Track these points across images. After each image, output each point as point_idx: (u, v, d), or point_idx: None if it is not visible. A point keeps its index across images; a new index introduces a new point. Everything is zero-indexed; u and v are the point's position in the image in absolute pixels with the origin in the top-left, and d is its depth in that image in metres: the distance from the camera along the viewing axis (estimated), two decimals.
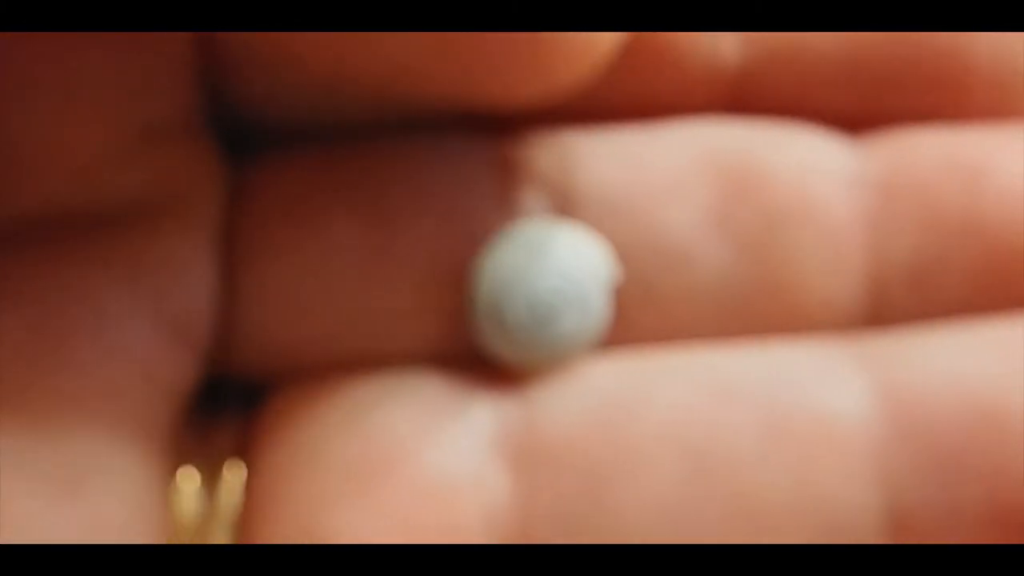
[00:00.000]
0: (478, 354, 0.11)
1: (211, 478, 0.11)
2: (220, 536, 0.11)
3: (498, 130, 0.12)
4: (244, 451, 0.11)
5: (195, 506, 0.11)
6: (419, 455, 0.11)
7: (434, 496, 0.11)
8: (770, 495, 0.10)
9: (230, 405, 0.12)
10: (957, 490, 0.10)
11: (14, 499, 0.10)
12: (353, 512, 0.10)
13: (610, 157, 0.12)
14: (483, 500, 0.11)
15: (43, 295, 0.10)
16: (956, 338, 0.11)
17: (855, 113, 0.12)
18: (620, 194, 0.12)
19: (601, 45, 0.10)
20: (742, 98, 0.12)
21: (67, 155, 0.11)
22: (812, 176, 0.12)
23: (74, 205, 0.11)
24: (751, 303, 0.12)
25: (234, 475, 0.11)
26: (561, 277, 0.11)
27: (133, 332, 0.11)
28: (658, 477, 0.10)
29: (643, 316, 0.11)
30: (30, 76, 0.10)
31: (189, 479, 0.11)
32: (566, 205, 0.12)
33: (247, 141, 0.12)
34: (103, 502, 0.10)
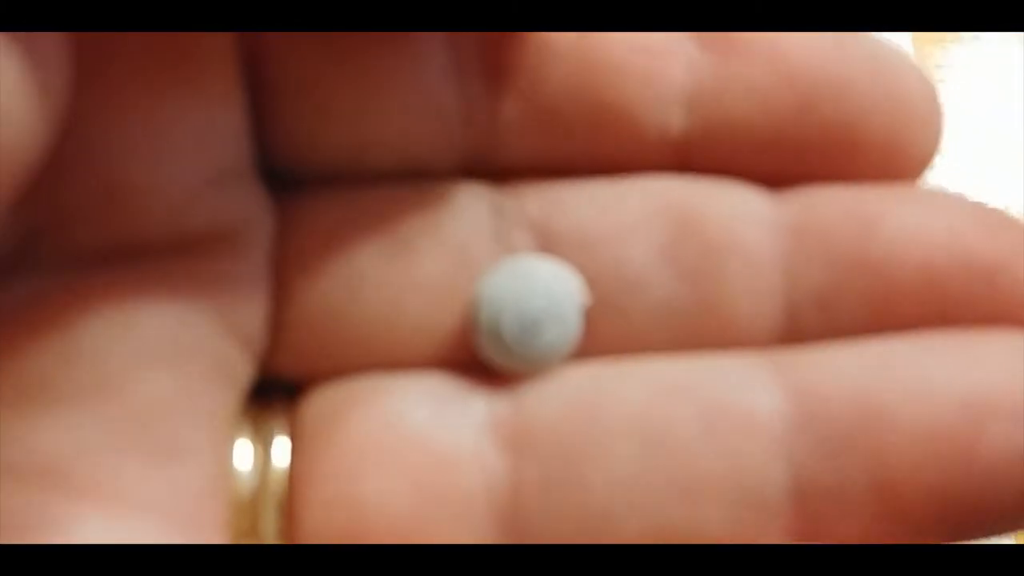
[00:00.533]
0: (479, 362, 0.13)
1: (263, 457, 0.13)
2: (270, 504, 0.13)
3: (496, 181, 0.14)
4: (289, 436, 0.13)
5: (251, 479, 0.13)
6: (431, 436, 0.13)
7: (445, 469, 0.12)
8: (704, 470, 0.12)
9: (275, 400, 0.13)
10: (847, 468, 0.12)
11: (118, 469, 0.12)
12: (379, 482, 0.12)
13: (583, 205, 0.14)
14: (484, 473, 0.12)
15: (129, 309, 0.12)
16: (851, 351, 0.12)
17: (775, 173, 0.13)
18: (591, 234, 0.13)
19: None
20: (687, 158, 0.14)
21: (157, 194, 0.12)
22: (740, 221, 0.13)
23: (157, 236, 0.13)
24: (693, 320, 0.13)
25: (281, 454, 0.13)
26: (545, 299, 0.13)
27: (206, 336, 0.13)
28: (620, 457, 0.12)
29: (608, 330, 0.13)
30: (131, 125, 0.12)
31: (245, 457, 0.13)
32: (548, 242, 0.14)
33: (287, 185, 0.14)
34: (187, 473, 0.12)
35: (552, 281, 0.13)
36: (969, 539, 0.12)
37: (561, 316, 0.13)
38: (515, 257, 0.13)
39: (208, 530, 0.12)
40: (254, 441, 0.13)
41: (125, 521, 0.11)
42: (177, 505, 0.12)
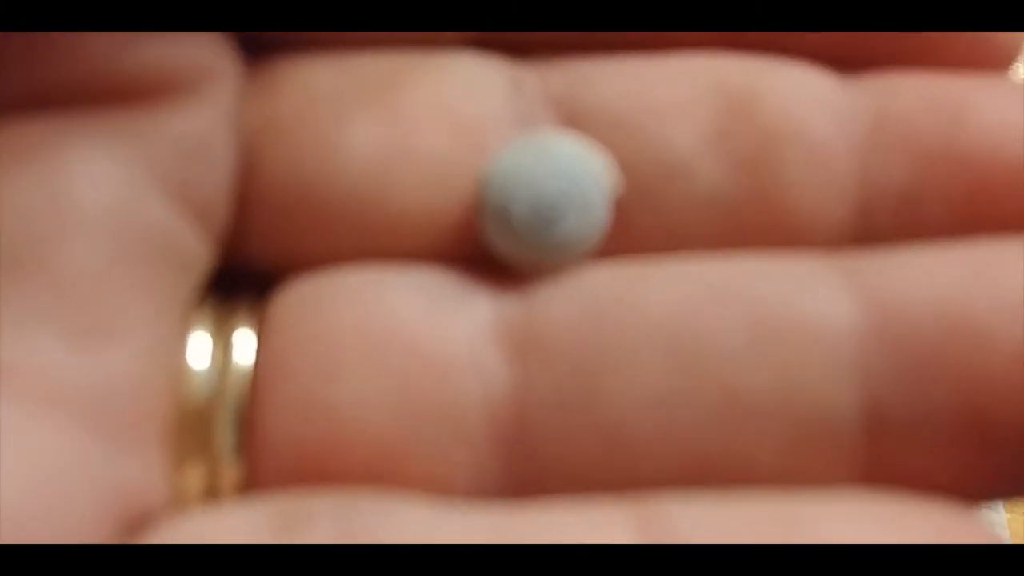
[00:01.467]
0: (485, 255, 0.11)
1: (222, 353, 0.11)
2: (228, 413, 0.11)
3: (513, 53, 0.12)
4: (255, 330, 0.11)
5: (207, 382, 0.11)
6: (422, 336, 0.11)
7: (434, 374, 0.11)
8: (753, 390, 0.10)
9: (242, 293, 0.12)
10: (931, 393, 0.11)
11: (39, 349, 0.10)
12: (354, 384, 0.11)
13: (617, 80, 0.12)
14: (482, 383, 0.11)
15: (58, 168, 0.10)
16: (936, 256, 0.11)
17: (845, 56, 0.12)
18: (625, 112, 0.12)
19: None
20: (741, 38, 0.12)
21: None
22: (805, 103, 0.12)
23: (91, 80, 0.11)
24: (745, 215, 0.12)
25: (244, 350, 0.11)
26: (565, 180, 0.11)
27: (151, 206, 0.11)
28: (648, 370, 0.11)
29: (643, 223, 0.12)
30: None
31: (201, 349, 0.11)
32: (575, 121, 0.12)
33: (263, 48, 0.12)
34: (122, 358, 0.10)
35: (575, 160, 0.11)
36: None
37: (584, 201, 0.11)
38: (531, 134, 0.11)
39: (141, 434, 0.10)
40: (214, 338, 0.11)
41: (39, 414, 0.10)
42: (105, 399, 0.10)
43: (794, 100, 0.12)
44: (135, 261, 0.10)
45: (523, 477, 0.11)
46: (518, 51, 0.12)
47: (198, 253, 0.11)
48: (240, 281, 0.12)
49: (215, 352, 0.11)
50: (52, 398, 0.10)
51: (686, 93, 0.12)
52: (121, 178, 0.11)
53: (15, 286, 0.10)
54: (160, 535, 0.10)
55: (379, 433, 0.10)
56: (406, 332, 0.11)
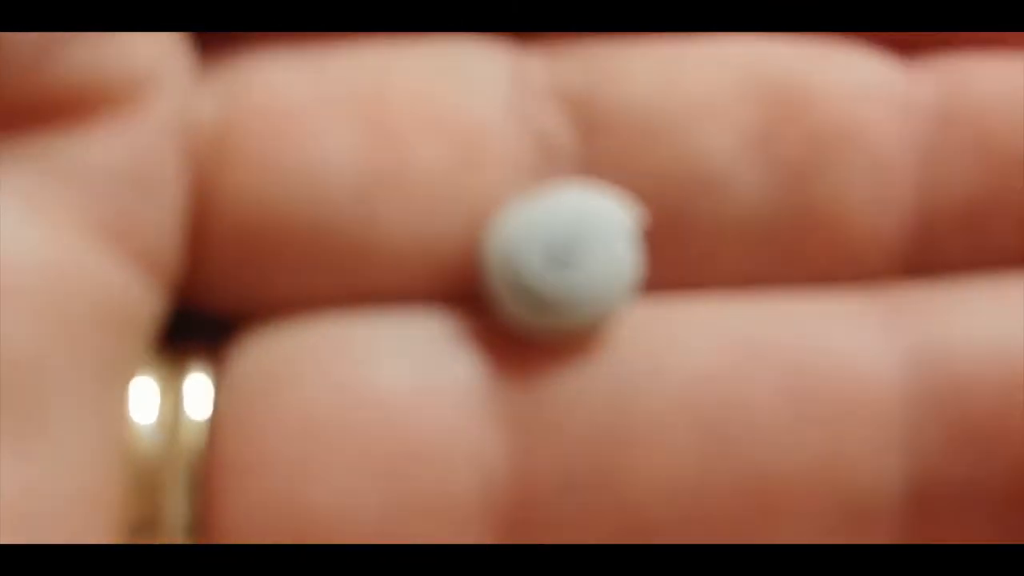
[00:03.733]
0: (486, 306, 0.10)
1: (172, 404, 0.10)
2: (178, 471, 0.10)
3: (517, 38, 0.11)
4: (211, 380, 0.10)
5: (153, 432, 0.10)
6: (405, 414, 0.10)
7: (423, 462, 0.10)
8: (791, 471, 0.10)
9: (196, 339, 0.10)
10: (986, 462, 0.10)
11: None
12: (333, 479, 0.10)
13: (641, 72, 0.11)
14: (479, 466, 0.10)
15: None
16: (1001, 293, 0.10)
17: (907, 35, 0.11)
18: (653, 114, 0.11)
19: None
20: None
21: None
22: (862, 99, 0.11)
23: (6, 92, 0.09)
24: (791, 235, 0.11)
25: (196, 400, 0.10)
26: (579, 222, 0.10)
27: (87, 253, 0.09)
28: (673, 446, 0.10)
29: (671, 252, 0.11)
30: None
31: (147, 400, 0.10)
32: (592, 126, 0.11)
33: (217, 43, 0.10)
34: (67, 439, 0.09)
35: (587, 205, 0.10)
36: None
37: (603, 241, 0.10)
38: (534, 192, 0.11)
39: (92, 529, 0.09)
40: (162, 387, 0.10)
41: None
42: (48, 504, 0.09)
43: (849, 94, 0.11)
44: (73, 331, 0.09)
45: None
46: (523, 32, 0.11)
47: (146, 304, 0.10)
48: (190, 317, 0.10)
49: (163, 404, 0.10)
50: None
51: (723, 88, 0.11)
52: (46, 228, 0.09)
53: None
54: None
55: (363, 535, 0.09)
56: (389, 412, 0.10)
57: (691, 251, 0.11)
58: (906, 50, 0.11)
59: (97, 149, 0.09)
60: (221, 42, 0.11)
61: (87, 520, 0.09)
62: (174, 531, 0.10)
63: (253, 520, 0.09)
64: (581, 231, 0.10)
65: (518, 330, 0.10)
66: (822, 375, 0.10)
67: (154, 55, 0.10)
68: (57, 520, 0.09)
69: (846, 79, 0.11)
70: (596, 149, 0.11)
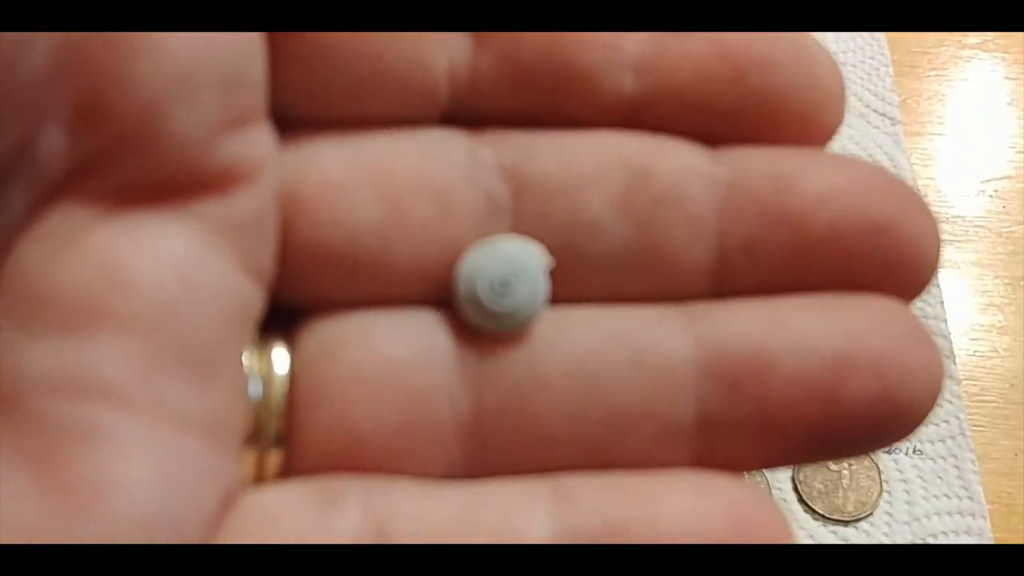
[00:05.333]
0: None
1: (267, 366, 0.15)
2: (270, 409, 0.15)
3: (471, 129, 0.16)
4: (289, 358, 0.15)
5: (259, 388, 0.15)
6: (410, 373, 0.15)
7: (419, 400, 0.14)
8: (630, 405, 0.15)
9: (275, 322, 0.15)
10: (739, 408, 0.14)
11: (167, 386, 0.13)
12: (367, 409, 0.15)
13: (548, 154, 0.15)
14: (452, 404, 0.15)
15: (166, 244, 0.13)
16: (752, 308, 0.15)
17: (711, 134, 0.15)
18: (555, 182, 0.15)
19: None
20: (636, 118, 0.15)
21: (186, 134, 0.13)
22: (684, 174, 0.15)
23: (181, 174, 0.13)
24: (642, 260, 0.15)
25: (280, 365, 0.15)
26: (513, 264, 0.15)
27: (229, 270, 0.14)
28: (564, 394, 0.15)
29: (570, 269, 0.15)
30: (169, 66, 0.13)
31: (250, 363, 0.15)
32: (518, 187, 0.15)
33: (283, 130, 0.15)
34: (227, 382, 0.14)
35: (518, 251, 0.15)
36: (826, 460, 0.16)
37: (528, 276, 0.15)
38: (485, 238, 0.15)
39: (235, 440, 0.14)
40: (258, 355, 0.15)
41: (163, 435, 0.13)
42: (212, 423, 0.14)
43: (676, 170, 0.15)
44: (228, 320, 0.14)
45: (478, 465, 0.15)
46: (475, 126, 0.16)
47: (257, 304, 0.15)
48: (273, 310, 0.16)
49: (260, 365, 0.15)
50: (171, 423, 0.13)
51: (598, 165, 0.15)
52: (210, 258, 0.14)
53: (149, 339, 0.13)
54: (241, 512, 0.14)
55: (384, 440, 0.15)
56: (401, 371, 0.15)
57: (577, 276, 0.15)
58: (712, 143, 0.15)
59: (238, 206, 0.14)
60: (286, 134, 0.15)
61: (240, 427, 0.14)
62: (269, 443, 0.15)
63: (319, 437, 0.14)
64: (514, 268, 0.15)
65: (475, 327, 0.15)
66: (646, 351, 0.15)
67: (269, 144, 0.14)
68: (234, 421, 0.14)
69: (675, 160, 0.15)
70: (521, 205, 0.15)
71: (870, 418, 0.14)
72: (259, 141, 0.14)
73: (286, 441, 0.15)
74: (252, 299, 0.15)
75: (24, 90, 0.12)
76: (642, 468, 0.15)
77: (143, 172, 0.13)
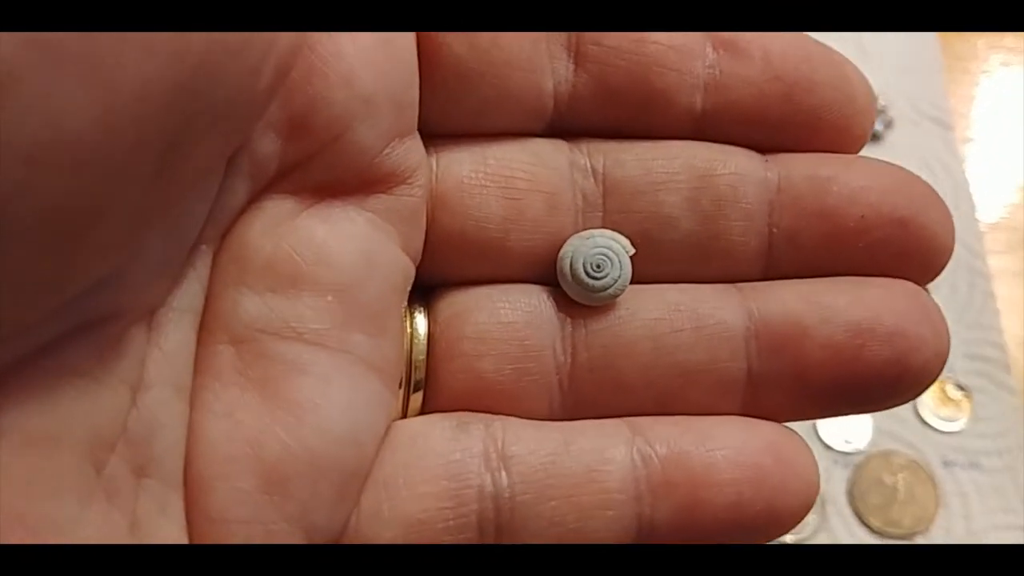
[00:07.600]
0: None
1: (410, 327, 0.19)
2: (414, 360, 0.18)
3: (569, 139, 0.19)
4: (425, 317, 0.19)
5: (406, 344, 0.18)
6: (523, 335, 0.18)
7: (529, 357, 0.18)
8: (695, 362, 0.18)
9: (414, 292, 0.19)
10: (782, 365, 0.18)
11: (354, 337, 0.16)
12: (490, 362, 0.18)
13: (632, 161, 0.19)
14: (554, 357, 0.18)
15: (356, 229, 0.17)
16: (792, 287, 0.18)
17: (764, 143, 0.18)
18: (638, 183, 0.19)
19: None
20: (704, 129, 0.19)
21: (372, 143, 0.17)
22: (742, 177, 0.18)
23: (363, 175, 0.17)
24: (705, 248, 0.18)
25: (419, 327, 0.19)
26: (605, 249, 0.19)
27: (397, 251, 0.17)
28: (643, 351, 0.18)
29: (648, 255, 0.18)
30: (366, 84, 0.16)
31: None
32: (608, 189, 0.19)
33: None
34: (392, 339, 0.17)
35: (608, 240, 0.19)
36: (849, 414, 0.19)
37: (616, 260, 0.19)
38: (582, 230, 0.19)
39: (395, 384, 0.18)
40: (408, 322, 0.19)
41: (351, 372, 0.17)
42: (383, 367, 0.17)
43: (735, 175, 0.18)
44: (393, 286, 0.17)
45: (573, 408, 0.19)
46: (573, 137, 0.19)
47: (411, 278, 0.18)
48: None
49: (407, 327, 0.19)
50: (356, 364, 0.17)
51: (672, 170, 0.18)
52: (385, 242, 0.17)
53: (341, 299, 0.17)
54: (396, 433, 0.18)
55: (504, 387, 0.18)
56: (516, 333, 0.19)
57: (654, 261, 0.19)
58: (765, 151, 0.18)
59: (401, 201, 0.17)
60: (429, 144, 0.18)
61: (400, 371, 0.18)
62: (410, 388, 0.19)
63: (451, 382, 0.18)
64: (605, 254, 0.18)
65: (573, 300, 0.19)
66: (707, 320, 0.18)
67: (421, 153, 0.18)
68: (397, 367, 0.17)
69: (734, 166, 0.18)
70: (610, 203, 0.19)
71: (884, 378, 0.18)
72: (415, 150, 0.18)
73: (425, 385, 0.19)
74: (409, 274, 0.18)
75: (255, 105, 0.15)
76: (701, 414, 0.18)
77: (335, 173, 0.17)
